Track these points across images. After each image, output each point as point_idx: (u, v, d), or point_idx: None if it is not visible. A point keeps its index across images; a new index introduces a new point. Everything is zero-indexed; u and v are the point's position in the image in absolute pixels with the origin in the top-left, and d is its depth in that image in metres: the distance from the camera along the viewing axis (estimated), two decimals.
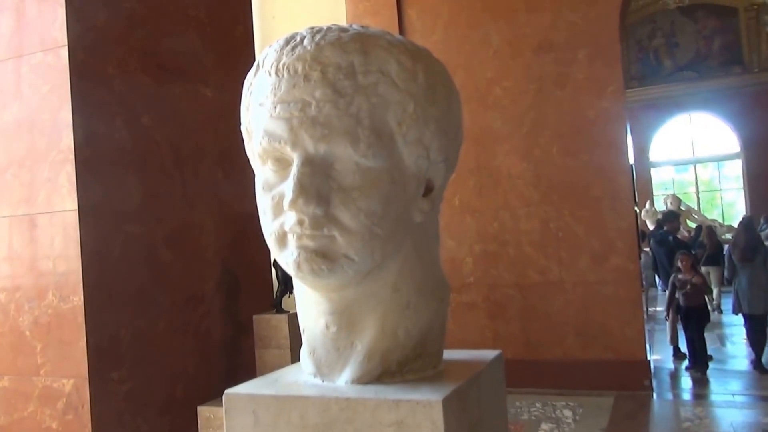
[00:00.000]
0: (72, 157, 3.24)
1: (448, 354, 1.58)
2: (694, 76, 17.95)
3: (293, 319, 4.93)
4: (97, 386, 3.14)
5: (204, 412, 3.77)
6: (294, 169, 1.24)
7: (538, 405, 6.53)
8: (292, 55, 1.27)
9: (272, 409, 1.35)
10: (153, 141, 3.69)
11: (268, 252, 4.25)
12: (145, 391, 3.38)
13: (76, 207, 3.20)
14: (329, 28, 1.31)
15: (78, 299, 3.14)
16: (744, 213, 16.78)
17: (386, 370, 1.38)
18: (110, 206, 3.40)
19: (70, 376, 3.14)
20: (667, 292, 8.61)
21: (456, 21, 7.84)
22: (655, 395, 6.85)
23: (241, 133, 1.41)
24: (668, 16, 18.16)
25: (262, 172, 1.35)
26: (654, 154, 19.02)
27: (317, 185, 1.23)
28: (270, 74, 1.29)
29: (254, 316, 4.14)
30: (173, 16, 3.95)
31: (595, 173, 7.26)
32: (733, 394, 7.05)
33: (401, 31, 7.93)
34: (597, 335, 7.13)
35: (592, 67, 7.33)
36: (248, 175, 4.38)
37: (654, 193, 18.68)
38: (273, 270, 4.66)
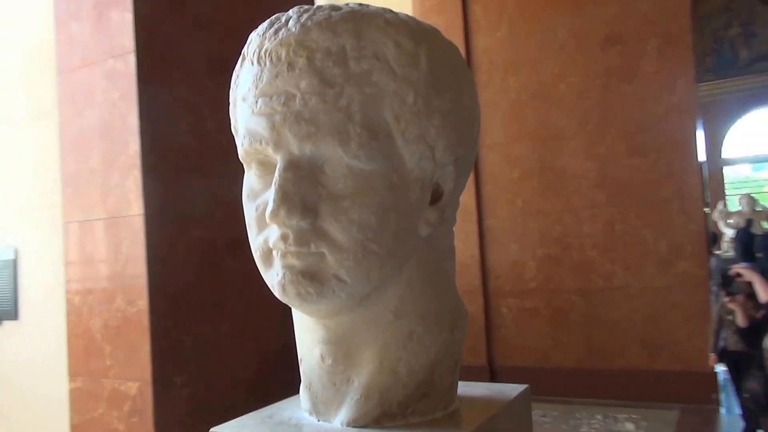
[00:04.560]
0: (139, 162, 3.38)
1: (467, 388, 1.45)
2: None
3: None
4: (161, 390, 3.29)
5: None
6: (276, 174, 1.10)
7: (598, 417, 6.50)
8: (275, 39, 1.12)
9: None
10: (218, 145, 3.81)
11: None
12: (207, 395, 3.52)
13: (142, 212, 3.34)
14: (320, 7, 1.15)
15: (143, 303, 3.29)
16: None
17: (386, 412, 1.22)
18: (175, 211, 3.53)
19: (135, 379, 3.30)
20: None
21: (521, 16, 7.82)
22: (723, 409, 6.73)
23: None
24: (746, 4, 17.60)
25: (247, 177, 1.23)
26: (729, 150, 18.52)
27: (303, 193, 1.09)
28: (252, 63, 1.15)
29: None
30: (242, 20, 4.06)
31: (663, 173, 7.16)
32: None
33: (466, 27, 7.95)
34: (663, 344, 7.05)
35: (661, 59, 7.19)
36: None
37: (729, 193, 18.20)
38: None
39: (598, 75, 7.49)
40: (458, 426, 1.23)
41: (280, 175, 1.09)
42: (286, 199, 1.07)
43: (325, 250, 1.10)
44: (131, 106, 3.44)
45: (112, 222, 3.45)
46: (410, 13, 8.30)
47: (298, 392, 1.40)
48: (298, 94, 1.08)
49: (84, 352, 3.49)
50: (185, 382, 3.44)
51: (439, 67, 1.17)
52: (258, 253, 1.19)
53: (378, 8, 1.17)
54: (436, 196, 1.22)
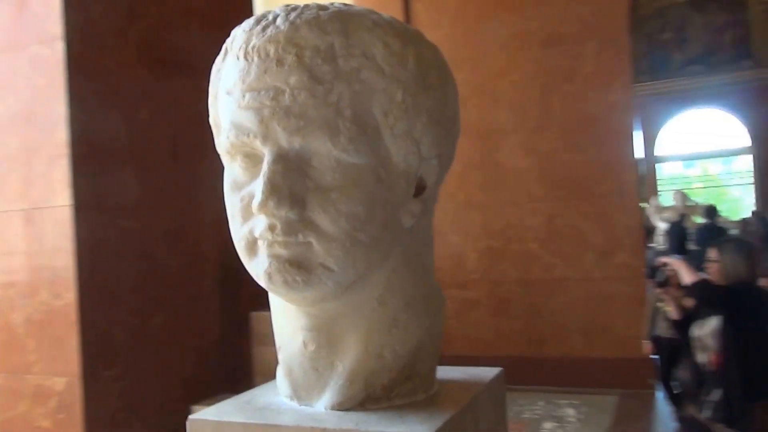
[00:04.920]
0: (67, 151, 3.18)
1: (443, 372, 1.44)
2: (703, 70, 17.77)
3: None
4: (90, 385, 3.09)
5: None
6: (264, 167, 1.09)
7: (540, 403, 6.46)
8: (263, 36, 1.12)
9: None
10: (151, 135, 3.63)
11: None
12: (139, 390, 3.33)
13: (71, 202, 3.13)
14: (307, 6, 1.16)
15: (71, 296, 3.09)
16: (754, 208, 16.70)
17: (370, 395, 1.23)
18: (106, 202, 3.33)
19: (62, 374, 3.09)
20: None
21: (463, 14, 7.74)
22: (659, 393, 6.74)
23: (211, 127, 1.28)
24: (678, 9, 17.98)
25: (231, 169, 1.20)
26: (661, 148, 18.85)
27: (291, 185, 1.09)
28: (238, 58, 1.14)
29: (252, 313, 4.08)
30: (173, 7, 3.87)
31: (602, 168, 7.19)
32: None
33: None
34: (602, 333, 7.06)
35: (600, 60, 7.24)
36: None
37: (661, 189, 18.53)
38: None
39: (539, 74, 7.47)
40: (442, 407, 1.24)
41: (269, 167, 1.09)
42: (275, 190, 1.07)
43: (312, 239, 1.10)
44: (58, 94, 3.23)
45: (34, 213, 3.23)
46: None
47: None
48: (288, 90, 1.08)
49: (4, 347, 3.26)
50: (116, 376, 3.24)
51: (426, 66, 1.19)
52: (242, 243, 1.17)
53: (363, 9, 1.19)
54: (419, 189, 1.24)
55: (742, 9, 17.69)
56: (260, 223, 1.12)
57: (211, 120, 1.27)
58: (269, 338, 4.26)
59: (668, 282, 4.67)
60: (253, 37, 1.13)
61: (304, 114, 1.08)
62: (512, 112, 7.55)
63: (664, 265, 4.73)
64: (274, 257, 1.11)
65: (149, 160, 3.57)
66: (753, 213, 15.62)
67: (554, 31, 7.42)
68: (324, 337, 1.24)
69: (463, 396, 1.31)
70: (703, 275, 4.15)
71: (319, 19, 1.12)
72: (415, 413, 1.20)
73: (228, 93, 1.15)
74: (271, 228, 1.10)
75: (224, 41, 1.23)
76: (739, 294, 3.81)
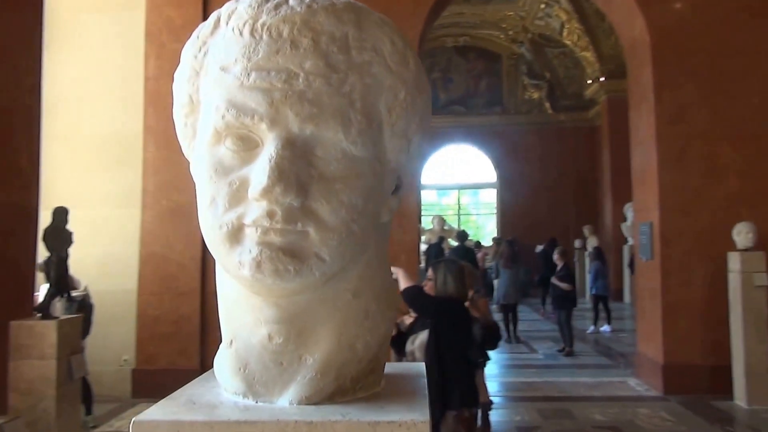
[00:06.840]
0: None
1: None
2: (462, 111, 19.06)
3: (63, 326, 3.96)
4: None
5: None
6: (272, 152, 1.00)
7: None
8: (276, 14, 1.04)
9: None
10: None
11: (33, 248, 3.20)
12: None
13: None
14: None
15: None
16: (495, 235, 18.21)
17: (340, 387, 1.14)
18: None
19: None
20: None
21: None
22: None
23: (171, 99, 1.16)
24: (445, 53, 19.15)
25: (214, 151, 1.07)
26: (423, 178, 19.80)
27: (297, 172, 1.01)
28: (241, 34, 1.05)
29: (11, 323, 3.26)
30: None
31: None
32: None
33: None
34: None
35: None
36: (19, 154, 3.33)
37: (423, 213, 19.46)
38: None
39: None
40: (410, 396, 1.20)
41: (277, 153, 1.00)
42: (283, 176, 0.99)
43: (311, 228, 1.03)
44: None
45: None
46: (142, 6, 7.37)
47: None
48: (302, 74, 1.02)
49: None
50: None
51: (421, 69, 1.17)
52: (223, 230, 1.04)
53: (364, 5, 1.14)
54: (396, 187, 1.21)
55: (496, 61, 19.29)
56: (255, 209, 1.02)
57: (183, 96, 1.14)
58: (30, 350, 3.37)
59: None
60: (263, 14, 1.05)
61: (318, 101, 1.02)
62: None
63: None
64: (265, 245, 1.01)
65: None
66: (493, 239, 16.96)
67: None
68: (294, 330, 1.13)
69: (416, 385, 1.30)
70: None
71: (336, 7, 1.07)
72: (391, 403, 1.15)
73: (223, 69, 1.06)
74: (270, 215, 1.01)
75: None
76: (445, 306, 3.92)
